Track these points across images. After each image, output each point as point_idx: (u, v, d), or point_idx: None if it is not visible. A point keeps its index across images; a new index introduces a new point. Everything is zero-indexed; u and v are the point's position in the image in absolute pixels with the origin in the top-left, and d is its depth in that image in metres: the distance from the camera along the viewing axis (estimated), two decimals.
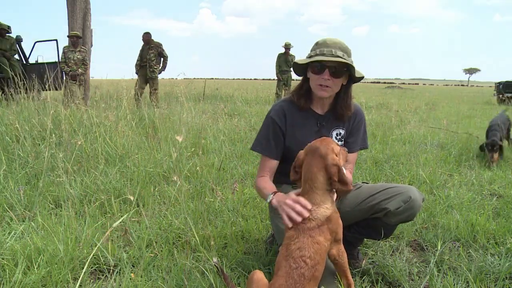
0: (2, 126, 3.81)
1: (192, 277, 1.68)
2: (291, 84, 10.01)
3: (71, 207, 2.31)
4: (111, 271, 1.78)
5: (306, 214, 1.35)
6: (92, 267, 1.81)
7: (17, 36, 9.00)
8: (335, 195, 1.46)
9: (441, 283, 1.67)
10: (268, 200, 1.59)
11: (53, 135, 3.38)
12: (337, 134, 1.80)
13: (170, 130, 4.60)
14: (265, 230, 2.27)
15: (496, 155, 3.93)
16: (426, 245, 2.15)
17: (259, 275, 1.36)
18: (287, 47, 9.78)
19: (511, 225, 2.33)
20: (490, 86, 71.45)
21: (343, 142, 1.82)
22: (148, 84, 8.41)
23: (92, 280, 1.73)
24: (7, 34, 7.93)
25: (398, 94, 17.41)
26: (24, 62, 9.19)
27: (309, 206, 1.36)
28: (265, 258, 1.90)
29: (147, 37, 8.23)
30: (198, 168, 3.26)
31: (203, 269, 1.73)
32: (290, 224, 1.38)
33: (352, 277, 1.52)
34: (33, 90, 5.25)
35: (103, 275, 1.78)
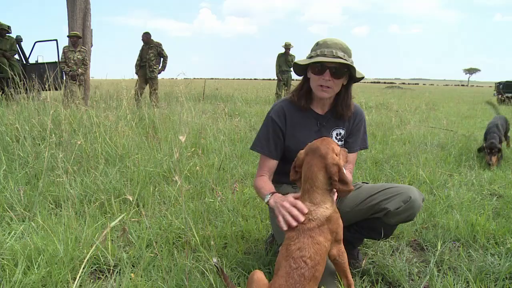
0: (2, 126, 3.81)
1: (192, 277, 1.68)
2: (291, 84, 10.01)
3: (71, 207, 2.31)
4: (111, 271, 1.78)
5: (302, 219, 1.35)
6: (92, 267, 1.81)
7: (17, 36, 9.00)
8: (336, 195, 1.46)
9: (441, 283, 1.67)
10: (266, 200, 1.59)
11: (53, 135, 3.38)
12: (337, 134, 1.80)
13: (170, 130, 4.60)
14: (265, 230, 2.27)
15: (494, 158, 3.90)
16: (426, 245, 2.15)
17: (259, 275, 1.36)
18: (287, 47, 9.77)
19: (511, 225, 2.33)
20: (490, 86, 71.43)
21: (343, 142, 1.82)
22: (148, 84, 8.42)
23: (92, 280, 1.73)
24: (7, 34, 7.93)
25: (398, 94, 17.41)
26: (24, 62, 9.20)
27: (305, 210, 1.36)
28: (265, 258, 1.90)
29: (146, 37, 8.24)
30: (198, 168, 3.26)
31: (203, 269, 1.73)
32: (285, 227, 1.38)
33: (352, 277, 1.52)
34: (33, 90, 5.25)
35: (103, 275, 1.78)
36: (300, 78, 1.78)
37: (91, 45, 7.79)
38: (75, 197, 2.52)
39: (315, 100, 1.77)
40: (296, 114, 1.76)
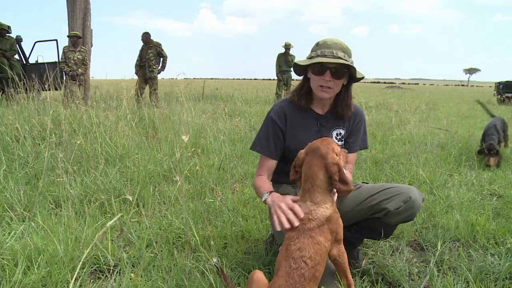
0: (2, 126, 3.81)
1: (192, 277, 1.68)
2: (291, 84, 10.01)
3: (71, 207, 2.31)
4: (111, 271, 1.78)
5: (296, 224, 1.35)
6: (92, 267, 1.81)
7: (17, 36, 8.99)
8: (336, 195, 1.46)
9: (441, 283, 1.67)
10: (264, 199, 1.59)
11: (53, 135, 3.38)
12: (337, 134, 1.80)
13: (170, 130, 4.60)
14: (265, 230, 2.27)
15: (493, 159, 3.87)
16: (426, 245, 2.15)
17: (259, 275, 1.36)
18: (287, 47, 9.77)
19: (511, 225, 2.33)
20: (490, 86, 71.45)
21: (343, 142, 1.82)
22: (148, 84, 8.43)
23: (92, 280, 1.73)
24: (7, 34, 7.93)
25: (398, 94, 17.41)
26: (24, 62, 9.20)
27: (301, 215, 1.36)
28: (265, 258, 1.90)
29: (146, 37, 8.24)
30: (198, 168, 3.26)
31: (203, 269, 1.73)
32: (278, 228, 1.38)
33: (352, 277, 1.52)
34: (33, 90, 5.25)
35: (103, 275, 1.78)
36: (300, 78, 1.78)
37: (91, 45, 7.79)
38: (75, 197, 2.52)
39: (315, 100, 1.77)
40: (296, 114, 1.76)
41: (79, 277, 1.69)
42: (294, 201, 1.43)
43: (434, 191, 2.93)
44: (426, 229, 2.33)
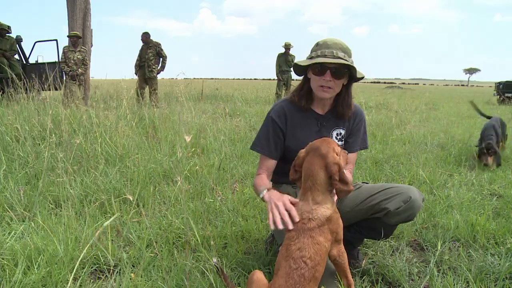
0: (2, 126, 3.81)
1: (192, 277, 1.68)
2: (291, 84, 10.01)
3: (71, 207, 2.31)
4: (111, 271, 1.78)
5: (291, 227, 1.35)
6: (92, 267, 1.81)
7: (17, 36, 8.99)
8: (336, 197, 1.46)
9: (441, 283, 1.67)
10: (261, 196, 1.59)
11: (53, 135, 3.38)
12: (337, 134, 1.80)
13: (170, 130, 4.60)
14: (265, 230, 2.27)
15: (490, 159, 3.84)
16: (426, 245, 2.15)
17: (259, 275, 1.36)
18: (287, 47, 9.78)
19: (511, 225, 2.33)
20: (490, 86, 71.47)
21: (343, 142, 1.82)
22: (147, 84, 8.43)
23: (92, 280, 1.73)
24: (7, 34, 7.93)
25: (398, 94, 17.40)
26: (24, 62, 9.20)
27: (296, 220, 1.36)
28: (265, 258, 1.90)
29: (145, 37, 8.25)
30: (198, 168, 3.26)
31: (203, 269, 1.73)
32: (272, 227, 1.38)
33: (352, 277, 1.52)
34: (33, 90, 5.25)
35: (103, 275, 1.78)
36: (300, 78, 1.78)
37: (91, 45, 7.80)
38: (75, 197, 2.52)
39: (315, 100, 1.77)
40: (297, 114, 1.76)
41: (79, 277, 1.69)
42: (293, 204, 1.43)
43: (434, 191, 2.93)
44: (426, 229, 2.33)
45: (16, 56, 8.61)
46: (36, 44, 9.22)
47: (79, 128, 4.04)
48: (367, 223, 1.78)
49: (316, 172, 1.38)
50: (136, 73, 8.49)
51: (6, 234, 2.01)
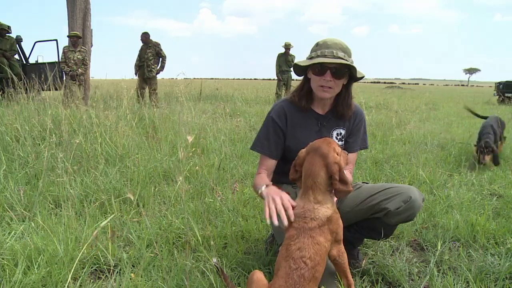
0: (2, 126, 3.81)
1: (192, 277, 1.68)
2: (291, 84, 10.01)
3: (71, 207, 2.31)
4: (111, 271, 1.78)
5: (286, 223, 1.35)
6: (92, 267, 1.81)
7: (17, 36, 9.00)
8: (335, 198, 1.46)
9: (441, 283, 1.67)
10: (260, 192, 1.58)
11: (53, 135, 3.38)
12: (337, 134, 1.80)
13: (170, 130, 4.60)
14: (265, 230, 2.27)
15: (488, 157, 3.81)
16: (426, 245, 2.15)
17: (259, 275, 1.36)
18: (287, 47, 9.77)
19: (511, 225, 2.33)
20: (490, 86, 71.48)
21: (343, 142, 1.82)
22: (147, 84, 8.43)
23: (92, 280, 1.73)
24: (7, 34, 7.93)
25: (398, 94, 17.41)
26: (24, 62, 9.20)
27: (292, 218, 1.36)
28: (265, 258, 1.90)
29: (145, 37, 8.25)
30: (197, 168, 3.26)
31: (204, 269, 1.73)
32: (268, 221, 1.37)
33: (352, 277, 1.52)
34: (33, 90, 5.25)
35: (103, 275, 1.78)
36: (300, 78, 1.78)
37: (91, 45, 7.80)
38: (75, 197, 2.52)
39: (315, 100, 1.77)
40: (297, 115, 1.76)
41: (79, 277, 1.69)
42: (293, 206, 1.42)
43: (434, 191, 2.93)
44: (426, 229, 2.33)
45: (16, 56, 8.61)
46: (36, 44, 9.23)
47: (79, 128, 4.04)
48: (367, 223, 1.78)
49: (316, 172, 1.38)
50: (136, 74, 8.48)
51: (6, 234, 2.01)
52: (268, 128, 1.77)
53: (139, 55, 8.36)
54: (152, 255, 1.88)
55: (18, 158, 3.26)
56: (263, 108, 8.71)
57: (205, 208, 2.51)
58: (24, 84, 5.13)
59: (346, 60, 1.57)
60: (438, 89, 39.13)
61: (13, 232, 2.02)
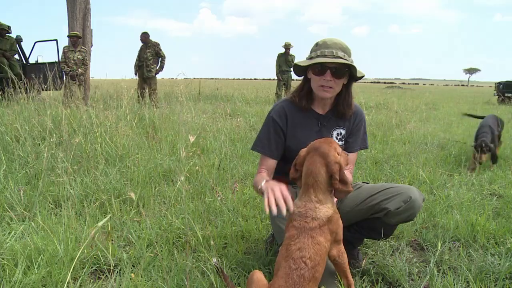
0: (2, 126, 3.81)
1: (192, 277, 1.68)
2: (291, 84, 10.01)
3: (71, 207, 2.31)
4: (111, 271, 1.78)
5: (284, 213, 1.33)
6: (92, 267, 1.81)
7: (17, 36, 9.00)
8: (335, 198, 1.46)
9: (441, 283, 1.67)
10: (259, 188, 1.57)
11: (54, 135, 3.38)
12: (337, 134, 1.80)
13: (170, 130, 4.60)
14: (265, 230, 2.27)
15: (484, 156, 3.76)
16: (426, 245, 2.15)
17: (258, 275, 1.36)
18: (287, 47, 9.77)
19: (511, 225, 2.33)
20: (490, 86, 71.49)
21: (343, 142, 1.82)
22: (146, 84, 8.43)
23: (92, 280, 1.73)
24: (7, 34, 7.93)
25: (398, 94, 17.41)
26: (24, 62, 9.20)
27: (291, 209, 1.35)
28: (265, 258, 1.90)
29: (144, 36, 8.25)
30: (197, 168, 3.26)
31: (204, 269, 1.73)
32: (267, 211, 1.35)
33: (352, 277, 1.52)
34: (33, 90, 5.25)
35: (103, 275, 1.78)
36: (300, 78, 1.78)
37: (91, 45, 7.80)
38: (75, 197, 2.52)
39: (316, 100, 1.77)
40: (297, 115, 1.76)
41: (79, 277, 1.69)
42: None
43: (434, 191, 2.93)
44: (426, 229, 2.33)
45: (16, 56, 8.61)
46: (36, 44, 9.23)
47: (79, 128, 4.04)
48: (367, 223, 1.78)
49: (317, 171, 1.38)
50: (135, 74, 8.49)
51: (6, 234, 2.01)
52: (268, 128, 1.77)
53: (138, 55, 8.36)
54: (152, 255, 1.88)
55: (18, 158, 3.26)
56: (263, 108, 8.71)
57: (205, 208, 2.51)
58: (24, 84, 5.13)
59: (346, 59, 1.58)
60: (438, 89, 39.13)
61: (13, 232, 2.02)
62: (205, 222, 2.31)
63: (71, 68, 7.11)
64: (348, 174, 1.59)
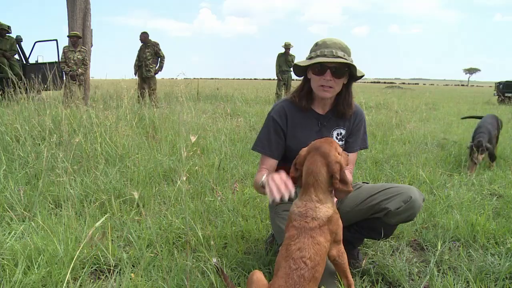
0: (2, 126, 3.81)
1: (193, 277, 1.68)
2: (291, 84, 10.01)
3: (71, 207, 2.31)
4: (111, 271, 1.78)
5: (287, 196, 1.32)
6: (92, 267, 1.81)
7: (17, 36, 9.00)
8: (335, 198, 1.46)
9: (441, 283, 1.67)
10: (261, 184, 1.58)
11: (54, 135, 3.38)
12: (338, 134, 1.80)
13: (170, 130, 4.60)
14: (265, 230, 2.27)
15: (481, 157, 3.71)
16: (426, 245, 2.15)
17: (258, 276, 1.36)
18: (287, 47, 9.77)
19: (511, 225, 2.33)
20: (490, 86, 71.50)
21: (343, 142, 1.82)
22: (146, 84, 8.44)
23: (92, 280, 1.73)
24: (7, 34, 7.93)
25: (398, 94, 17.41)
26: (24, 62, 9.20)
27: (293, 191, 1.34)
28: (265, 258, 1.90)
29: (144, 36, 8.26)
30: (197, 168, 3.26)
31: (204, 269, 1.73)
32: (270, 200, 1.35)
33: (352, 277, 1.52)
34: (32, 90, 5.25)
35: (103, 275, 1.78)
36: (300, 79, 1.78)
37: (91, 45, 7.80)
38: (75, 197, 2.52)
39: (316, 100, 1.77)
40: (297, 115, 1.76)
41: (79, 277, 1.69)
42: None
43: (434, 191, 2.93)
44: (426, 229, 2.33)
45: (16, 56, 8.62)
46: (36, 44, 9.24)
47: (79, 128, 4.04)
48: (367, 223, 1.78)
49: (318, 170, 1.38)
50: (135, 74, 8.49)
51: (6, 234, 2.01)
52: (269, 128, 1.77)
53: (138, 55, 8.36)
54: (152, 255, 1.88)
55: (18, 158, 3.26)
56: (263, 108, 8.71)
57: (205, 208, 2.51)
58: (24, 84, 5.13)
59: (345, 59, 1.58)
60: (438, 89, 39.14)
61: (13, 232, 2.02)
62: (205, 222, 2.31)
63: (71, 68, 7.12)
64: (348, 174, 1.59)
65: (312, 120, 1.77)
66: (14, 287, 1.55)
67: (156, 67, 8.40)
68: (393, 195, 1.65)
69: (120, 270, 1.79)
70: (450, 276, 1.70)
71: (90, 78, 8.11)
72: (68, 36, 7.20)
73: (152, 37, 8.34)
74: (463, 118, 6.06)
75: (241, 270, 1.81)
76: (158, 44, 8.33)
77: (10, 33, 8.14)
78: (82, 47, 7.31)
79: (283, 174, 1.41)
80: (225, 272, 1.64)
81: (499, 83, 15.76)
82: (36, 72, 6.65)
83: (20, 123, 3.86)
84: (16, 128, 3.65)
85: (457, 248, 2.05)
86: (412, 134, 5.61)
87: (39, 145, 3.64)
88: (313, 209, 1.35)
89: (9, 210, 2.26)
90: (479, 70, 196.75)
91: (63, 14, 7.56)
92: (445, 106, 12.41)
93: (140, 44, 8.39)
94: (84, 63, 7.27)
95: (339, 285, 1.47)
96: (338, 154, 1.41)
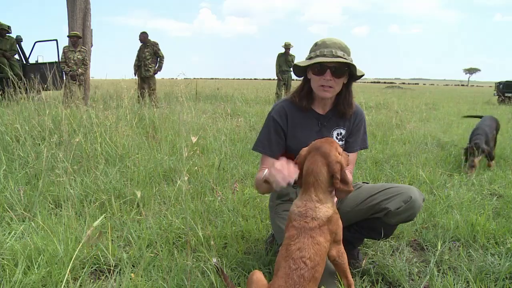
0: (2, 126, 3.81)
1: (193, 277, 1.68)
2: (291, 84, 10.01)
3: (71, 207, 2.31)
4: (111, 271, 1.78)
5: (292, 180, 1.35)
6: (92, 267, 1.81)
7: (17, 36, 9.00)
8: (335, 198, 1.46)
9: (441, 283, 1.67)
10: (264, 178, 1.58)
11: (55, 136, 3.38)
12: (338, 134, 1.80)
13: (170, 130, 4.60)
14: (265, 230, 2.27)
15: (477, 160, 3.67)
16: (426, 245, 2.15)
17: (258, 276, 1.36)
18: (287, 47, 9.77)
19: (511, 225, 2.33)
20: (490, 86, 71.51)
21: (343, 142, 1.82)
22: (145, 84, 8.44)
23: (92, 280, 1.73)
24: (7, 34, 7.93)
25: (398, 94, 17.41)
26: (24, 62, 9.20)
27: (293, 175, 1.36)
28: (265, 258, 1.90)
29: (143, 36, 8.26)
30: (197, 168, 3.26)
31: (204, 269, 1.73)
32: (277, 189, 1.38)
33: (352, 277, 1.52)
34: (33, 90, 5.25)
35: (103, 275, 1.78)
36: (300, 79, 1.78)
37: (91, 45, 7.80)
38: (75, 197, 2.52)
39: (316, 100, 1.77)
40: (297, 115, 1.76)
41: (79, 277, 1.69)
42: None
43: (434, 191, 2.93)
44: (426, 229, 2.33)
45: (16, 56, 8.61)
46: (36, 44, 9.23)
47: (79, 128, 4.04)
48: (367, 223, 1.78)
49: (318, 170, 1.38)
50: (135, 74, 8.49)
51: (6, 234, 2.01)
52: (269, 128, 1.77)
53: (137, 55, 8.36)
54: (152, 255, 1.88)
55: (18, 158, 3.26)
56: (263, 108, 8.71)
57: (205, 208, 2.51)
58: (24, 84, 5.13)
59: (345, 58, 1.58)
60: (438, 89, 39.14)
61: (13, 232, 2.02)
62: (205, 222, 2.31)
63: (71, 68, 7.12)
64: (348, 174, 1.59)
65: (312, 120, 1.77)
66: (14, 287, 1.55)
67: (155, 67, 8.40)
68: (393, 195, 1.65)
69: (120, 270, 1.79)
70: (450, 276, 1.70)
71: (90, 78, 8.11)
72: (68, 36, 7.20)
73: (152, 37, 8.35)
74: (464, 117, 6.09)
75: (241, 270, 1.81)
76: (157, 44, 8.33)
77: (10, 33, 8.14)
78: (82, 47, 7.31)
79: (283, 160, 1.42)
80: (225, 272, 1.63)
81: (499, 83, 15.76)
82: (36, 72, 6.65)
83: (20, 123, 3.86)
84: (16, 128, 3.65)
85: (457, 248, 2.05)
86: (412, 134, 5.61)
87: (39, 145, 3.64)
88: (313, 209, 1.35)
89: (9, 210, 2.26)
90: (479, 70, 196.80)
91: (63, 14, 7.58)
92: (445, 106, 12.41)
93: (139, 44, 8.40)
94: (84, 63, 7.27)
95: (339, 285, 1.47)
96: (339, 154, 1.41)
